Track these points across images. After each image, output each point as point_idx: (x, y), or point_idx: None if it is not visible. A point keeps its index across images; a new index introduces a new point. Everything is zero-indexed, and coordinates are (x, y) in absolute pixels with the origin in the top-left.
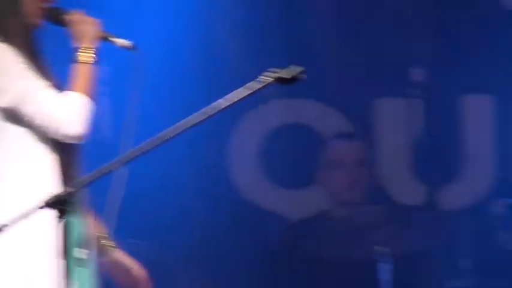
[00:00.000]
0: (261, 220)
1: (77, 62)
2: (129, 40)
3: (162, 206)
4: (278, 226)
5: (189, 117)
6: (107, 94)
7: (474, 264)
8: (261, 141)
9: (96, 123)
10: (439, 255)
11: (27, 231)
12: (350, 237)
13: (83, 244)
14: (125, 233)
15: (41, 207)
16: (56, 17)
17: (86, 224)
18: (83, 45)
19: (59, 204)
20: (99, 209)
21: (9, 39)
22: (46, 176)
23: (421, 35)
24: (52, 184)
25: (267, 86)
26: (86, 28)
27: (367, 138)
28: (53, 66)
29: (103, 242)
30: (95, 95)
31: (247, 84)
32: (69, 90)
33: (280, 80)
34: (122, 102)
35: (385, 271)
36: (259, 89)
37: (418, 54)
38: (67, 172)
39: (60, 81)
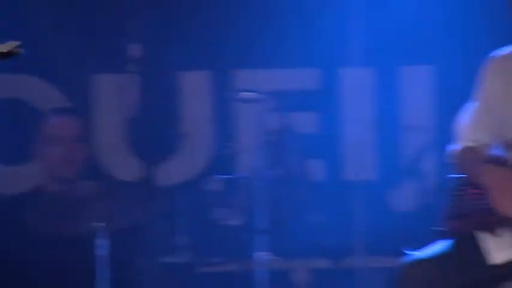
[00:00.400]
0: None
1: None
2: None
3: None
4: None
5: None
6: None
7: (190, 240)
8: None
9: None
10: (156, 231)
11: None
12: (67, 213)
13: None
14: None
15: None
16: None
17: None
18: None
19: None
20: None
21: None
22: None
23: (138, 12)
24: None
25: None
26: None
27: (84, 113)
28: None
29: None
30: None
31: None
32: None
33: None
34: None
35: (101, 247)
36: None
37: (135, 31)
38: None
39: None
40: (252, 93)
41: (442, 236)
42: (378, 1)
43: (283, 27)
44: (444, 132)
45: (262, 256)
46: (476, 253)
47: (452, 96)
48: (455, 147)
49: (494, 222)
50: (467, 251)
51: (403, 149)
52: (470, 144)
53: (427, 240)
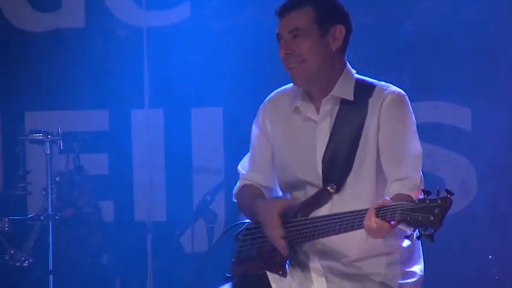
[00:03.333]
0: None
1: None
2: None
3: None
4: None
5: None
6: None
7: None
8: None
9: None
10: None
11: None
12: None
13: None
14: None
15: None
16: None
17: None
18: None
19: None
20: None
21: None
22: None
23: None
24: None
25: None
26: None
27: None
28: None
29: None
30: None
31: None
32: None
33: None
34: None
35: None
36: None
37: None
38: None
39: None
40: (42, 134)
41: (231, 278)
42: (168, 46)
43: (74, 69)
44: (233, 173)
45: None
46: None
47: (241, 137)
48: (237, 185)
49: (279, 262)
50: None
51: (194, 190)
52: (248, 183)
53: (217, 282)
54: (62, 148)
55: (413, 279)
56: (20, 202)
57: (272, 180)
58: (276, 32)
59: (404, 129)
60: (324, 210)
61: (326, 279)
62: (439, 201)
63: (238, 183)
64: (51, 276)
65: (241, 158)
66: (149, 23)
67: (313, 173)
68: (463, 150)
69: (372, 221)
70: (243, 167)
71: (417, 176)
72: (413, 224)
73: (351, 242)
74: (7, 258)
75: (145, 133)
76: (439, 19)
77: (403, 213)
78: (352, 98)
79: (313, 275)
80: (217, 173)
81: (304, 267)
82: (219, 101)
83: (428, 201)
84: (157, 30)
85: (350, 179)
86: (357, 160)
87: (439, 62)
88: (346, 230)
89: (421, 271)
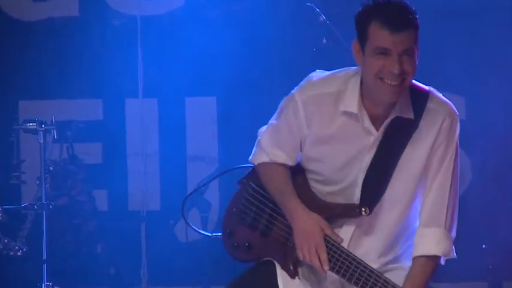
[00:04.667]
0: None
1: None
2: None
3: None
4: None
5: None
6: None
7: None
8: None
9: None
10: None
11: None
12: None
13: None
14: None
15: None
16: None
17: None
18: None
19: None
20: None
21: None
22: None
23: None
24: None
25: None
26: None
27: None
28: None
29: None
30: None
31: None
32: None
33: None
34: None
35: None
36: None
37: None
38: None
39: None
40: (36, 124)
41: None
42: (162, 35)
43: (68, 58)
44: (227, 163)
45: (48, 287)
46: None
47: (233, 125)
48: (258, 155)
49: (292, 262)
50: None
51: (188, 179)
52: (274, 160)
53: (213, 270)
54: (55, 137)
55: None
56: (14, 191)
57: (294, 160)
58: (382, 45)
59: (451, 162)
60: (348, 228)
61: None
62: None
63: (257, 151)
64: (45, 265)
65: (236, 147)
66: (143, 11)
67: (352, 183)
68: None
69: None
70: (264, 141)
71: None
72: None
73: (372, 259)
74: (1, 247)
75: (139, 122)
76: (431, 6)
77: None
78: (412, 117)
79: (329, 284)
80: (211, 162)
81: (319, 273)
82: (213, 90)
83: None
84: (151, 19)
85: (385, 199)
86: (394, 180)
87: (432, 50)
88: None
89: None
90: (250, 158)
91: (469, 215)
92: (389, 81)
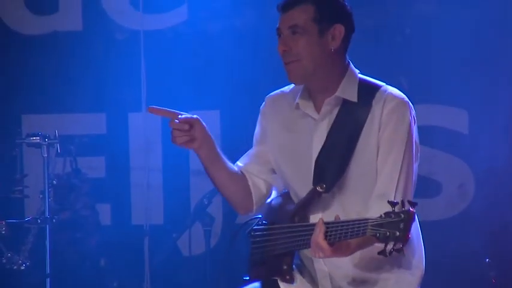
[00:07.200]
0: None
1: None
2: None
3: None
4: None
5: None
6: None
7: None
8: None
9: None
10: None
11: None
12: None
13: None
14: None
15: None
16: None
17: None
18: None
19: None
20: None
21: None
22: None
23: None
24: None
25: None
26: None
27: None
28: None
29: None
30: None
31: None
32: None
33: None
34: None
35: None
36: None
37: None
38: None
39: None
40: (39, 138)
41: (248, 281)
42: (165, 49)
43: (71, 72)
44: None
45: None
46: None
47: (237, 139)
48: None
49: (286, 269)
50: None
51: (191, 193)
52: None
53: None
54: (59, 151)
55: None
56: (17, 205)
57: (267, 174)
58: (277, 26)
59: (402, 143)
60: (316, 216)
61: (331, 280)
62: (402, 215)
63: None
64: (48, 280)
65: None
66: (146, 26)
67: (306, 171)
68: (460, 153)
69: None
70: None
71: (398, 197)
72: (383, 240)
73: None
74: (4, 261)
75: (143, 136)
76: (436, 22)
77: (373, 229)
78: (355, 100)
79: (319, 276)
80: None
81: (310, 270)
82: (216, 104)
83: (393, 215)
84: (154, 33)
85: (345, 181)
86: (353, 163)
87: (436, 64)
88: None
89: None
90: None
91: (472, 228)
92: (285, 61)
